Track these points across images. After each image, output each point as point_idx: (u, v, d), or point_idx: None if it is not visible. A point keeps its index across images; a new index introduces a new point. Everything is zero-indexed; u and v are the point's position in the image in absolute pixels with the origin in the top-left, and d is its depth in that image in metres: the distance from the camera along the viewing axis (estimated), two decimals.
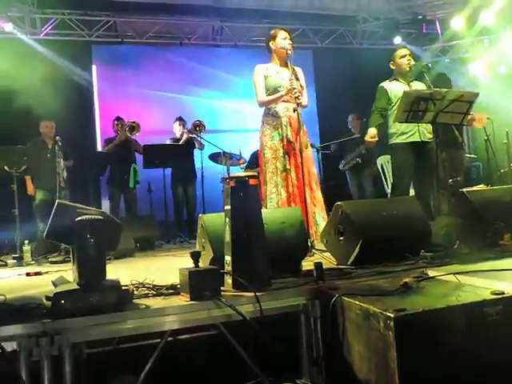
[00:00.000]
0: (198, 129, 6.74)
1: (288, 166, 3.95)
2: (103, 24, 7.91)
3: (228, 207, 2.57)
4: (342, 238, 3.07)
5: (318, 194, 4.08)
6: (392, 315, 1.77)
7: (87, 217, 2.28)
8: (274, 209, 3.75)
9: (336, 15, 8.61)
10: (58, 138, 5.56)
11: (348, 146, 7.17)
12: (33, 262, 4.74)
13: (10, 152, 5.32)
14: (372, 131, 4.36)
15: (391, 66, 4.51)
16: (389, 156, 5.14)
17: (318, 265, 2.55)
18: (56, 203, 2.47)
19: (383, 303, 1.94)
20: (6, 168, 5.26)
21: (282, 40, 4.11)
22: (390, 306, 1.87)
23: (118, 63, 8.00)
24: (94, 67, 8.03)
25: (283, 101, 4.05)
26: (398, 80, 4.46)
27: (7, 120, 6.15)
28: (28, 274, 3.95)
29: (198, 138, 6.74)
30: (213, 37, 8.56)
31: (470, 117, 4.11)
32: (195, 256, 2.42)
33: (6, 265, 4.78)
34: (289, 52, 4.02)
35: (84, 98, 7.70)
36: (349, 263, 2.98)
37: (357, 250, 2.92)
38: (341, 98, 7.99)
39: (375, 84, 4.55)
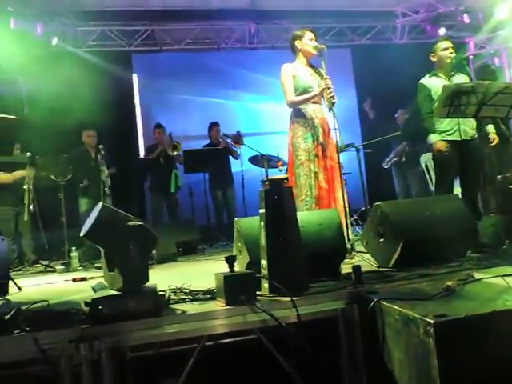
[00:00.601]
0: (236, 141, 6.76)
1: (316, 169, 3.87)
2: (142, 33, 8.08)
3: (263, 210, 2.54)
4: (382, 240, 2.98)
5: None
6: (432, 321, 1.69)
7: (133, 223, 2.31)
8: (311, 211, 3.68)
9: (374, 11, 8.44)
10: (100, 146, 5.70)
11: (392, 144, 7.01)
12: (80, 268, 4.87)
13: (56, 161, 5.51)
14: (434, 138, 4.18)
15: (432, 59, 4.34)
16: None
17: (357, 268, 2.48)
18: (100, 205, 2.50)
19: (424, 308, 1.85)
20: (52, 177, 5.44)
21: (309, 41, 4.04)
22: (430, 311, 1.79)
23: (157, 71, 8.15)
24: (134, 76, 8.22)
25: (312, 102, 3.98)
26: (437, 75, 4.29)
27: (51, 129, 6.36)
28: (74, 280, 4.06)
29: (234, 148, 6.77)
30: (250, 40, 8.58)
31: None
32: (230, 260, 2.41)
33: (54, 271, 4.94)
34: (323, 51, 3.92)
35: (125, 106, 7.87)
36: (390, 266, 2.89)
37: (398, 251, 2.83)
38: (381, 95, 7.81)
39: (416, 79, 4.40)
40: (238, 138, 6.74)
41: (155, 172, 6.72)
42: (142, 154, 7.89)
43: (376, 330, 2.12)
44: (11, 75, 6.86)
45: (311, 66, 4.09)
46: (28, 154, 5.48)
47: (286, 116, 4.11)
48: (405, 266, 2.78)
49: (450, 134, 4.14)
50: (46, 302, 2.56)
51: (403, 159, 7.02)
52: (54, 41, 7.44)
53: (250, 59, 8.47)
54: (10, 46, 6.61)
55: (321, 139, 3.91)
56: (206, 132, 7.16)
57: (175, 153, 6.51)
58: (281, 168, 6.15)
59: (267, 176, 5.67)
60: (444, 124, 4.12)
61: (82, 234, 2.44)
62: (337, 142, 3.80)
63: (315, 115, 3.95)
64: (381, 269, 2.95)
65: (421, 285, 2.37)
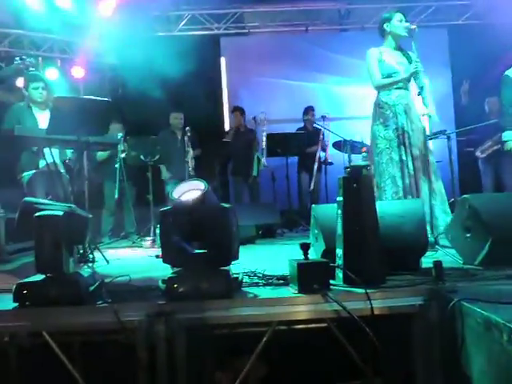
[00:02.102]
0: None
1: (404, 157, 3.70)
2: (231, 16, 8.15)
3: (340, 198, 2.48)
4: (468, 235, 2.80)
5: (438, 185, 3.79)
6: None
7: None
8: (391, 201, 3.54)
9: None
10: (187, 128, 5.86)
11: (487, 132, 6.52)
12: None
13: (145, 142, 5.75)
14: None
15: None
16: None
17: (438, 263, 2.35)
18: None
19: (509, 312, 1.71)
20: (141, 157, 5.70)
21: (398, 22, 3.84)
22: None
23: (244, 54, 8.19)
24: (222, 59, 8.33)
25: (397, 87, 3.80)
26: None
27: (140, 111, 6.65)
28: (157, 257, 4.23)
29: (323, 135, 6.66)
30: (339, 21, 8.35)
31: None
32: (305, 248, 2.38)
33: (141, 246, 5.19)
34: (414, 32, 3.73)
35: (213, 89, 8.02)
36: (476, 263, 2.71)
37: (486, 249, 2.64)
38: (479, 80, 7.28)
39: None
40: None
41: (237, 156, 6.81)
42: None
43: (455, 330, 2.00)
44: None
45: (400, 49, 3.91)
46: (120, 134, 5.77)
47: (372, 100, 3.96)
48: (492, 264, 2.59)
49: None
50: (128, 277, 2.69)
51: (501, 148, 6.51)
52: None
53: (338, 41, 8.26)
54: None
55: (405, 127, 3.73)
56: (291, 116, 7.13)
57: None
58: (364, 154, 5.97)
59: (350, 162, 5.54)
60: None
61: None
62: (424, 128, 3.61)
63: (399, 101, 3.79)
64: (465, 266, 2.77)
65: (508, 287, 2.19)
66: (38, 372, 2.54)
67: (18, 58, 4.34)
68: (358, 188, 2.41)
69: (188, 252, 2.29)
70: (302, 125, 7.10)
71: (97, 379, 2.44)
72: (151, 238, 5.36)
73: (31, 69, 4.43)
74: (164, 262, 2.36)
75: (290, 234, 5.92)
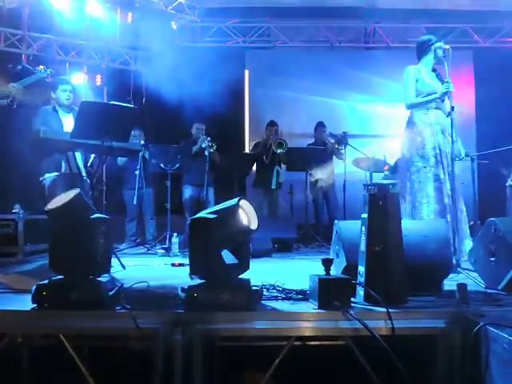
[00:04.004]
0: (339, 142, 6.63)
1: (442, 176, 3.69)
2: (256, 30, 8.21)
3: (365, 215, 2.46)
4: (493, 259, 2.75)
5: (463, 208, 3.78)
6: None
7: (203, 216, 2.33)
8: (417, 220, 3.51)
9: (501, 11, 7.78)
10: (208, 139, 5.90)
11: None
12: (179, 254, 5.07)
13: (166, 150, 5.79)
14: None
15: None
16: None
17: (463, 286, 2.30)
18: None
19: None
20: (161, 165, 5.74)
21: (437, 44, 3.87)
22: None
23: (269, 68, 8.22)
24: (246, 72, 8.39)
25: (436, 108, 3.80)
26: None
27: (162, 120, 6.70)
28: (173, 265, 4.24)
29: (339, 150, 6.64)
30: (365, 39, 8.37)
31: None
32: (327, 263, 2.35)
33: (155, 254, 5.19)
34: (447, 52, 3.73)
35: (235, 101, 8.05)
36: (499, 288, 2.65)
37: (510, 274, 2.58)
38: (504, 102, 7.22)
39: None
40: (341, 140, 6.60)
41: (259, 168, 6.81)
42: (247, 148, 8.06)
43: (478, 357, 1.96)
44: None
45: (434, 70, 3.92)
46: (142, 141, 5.82)
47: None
48: None
49: None
50: (146, 283, 2.68)
51: None
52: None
53: (362, 59, 8.26)
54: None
55: (442, 146, 3.73)
56: (312, 131, 7.11)
57: (279, 151, 6.52)
58: (386, 173, 5.92)
59: (371, 180, 5.49)
60: None
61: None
62: (452, 149, 3.58)
63: (437, 121, 3.80)
64: (488, 290, 2.72)
65: None
66: (49, 374, 2.53)
67: (42, 69, 4.40)
68: (383, 206, 2.39)
69: (223, 264, 2.26)
70: (312, 140, 7.08)
71: None
72: (166, 245, 5.38)
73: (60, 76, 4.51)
74: (192, 273, 2.33)
75: (306, 250, 5.87)
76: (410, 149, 3.86)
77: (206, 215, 2.30)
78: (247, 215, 2.38)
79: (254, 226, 2.39)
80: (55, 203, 2.38)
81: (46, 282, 2.31)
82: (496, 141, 6.49)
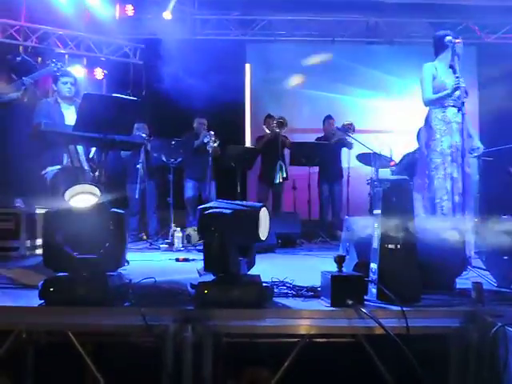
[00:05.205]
0: (348, 130, 6.59)
1: (455, 175, 3.68)
2: (258, 23, 8.12)
3: (378, 211, 2.41)
4: (505, 258, 2.71)
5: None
6: None
7: (219, 210, 2.28)
8: (431, 217, 3.49)
9: (507, 6, 7.72)
10: (210, 132, 5.85)
11: None
12: (182, 249, 5.02)
13: (168, 144, 5.73)
14: None
15: None
16: None
17: (478, 285, 2.26)
18: None
19: None
20: (163, 159, 5.68)
21: (452, 39, 3.82)
22: None
23: (270, 62, 8.16)
24: (247, 66, 8.31)
25: (452, 105, 3.78)
26: None
27: (163, 113, 6.63)
28: (177, 260, 4.19)
29: (348, 139, 6.58)
30: (367, 34, 8.29)
31: None
32: (339, 260, 2.31)
33: (158, 249, 5.14)
34: (457, 46, 3.70)
35: (236, 95, 7.97)
36: None
37: None
38: (507, 99, 7.17)
39: None
40: (348, 128, 6.56)
41: (263, 162, 6.77)
42: (248, 142, 8.01)
43: (496, 357, 1.92)
44: None
45: (451, 66, 3.88)
46: (143, 134, 5.75)
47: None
48: None
49: None
50: (153, 279, 2.64)
51: None
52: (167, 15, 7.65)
53: (364, 54, 8.18)
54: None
55: (459, 145, 3.71)
56: (314, 125, 7.07)
57: (283, 129, 6.47)
58: (393, 168, 5.89)
59: (377, 176, 5.45)
60: None
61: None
62: (463, 146, 3.55)
63: (454, 119, 3.78)
64: (501, 289, 2.68)
65: None
66: (55, 371, 2.48)
67: (53, 62, 4.35)
68: (397, 202, 2.34)
69: (237, 260, 2.22)
70: (321, 134, 7.03)
71: (117, 381, 2.38)
72: (169, 240, 5.33)
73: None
74: (206, 269, 2.28)
75: (309, 245, 5.84)
76: (428, 146, 3.86)
77: (221, 210, 2.24)
78: (261, 224, 2.34)
79: (263, 236, 2.35)
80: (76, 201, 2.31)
81: (52, 277, 2.26)
82: (499, 138, 6.47)
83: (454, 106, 3.80)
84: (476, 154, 4.01)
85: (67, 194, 2.32)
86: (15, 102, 3.61)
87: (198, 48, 7.64)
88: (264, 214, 2.36)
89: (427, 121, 3.91)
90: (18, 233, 4.05)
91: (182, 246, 5.07)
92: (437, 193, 3.70)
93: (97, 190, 2.35)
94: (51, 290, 2.18)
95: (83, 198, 2.32)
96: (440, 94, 3.81)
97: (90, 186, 2.42)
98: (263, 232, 2.34)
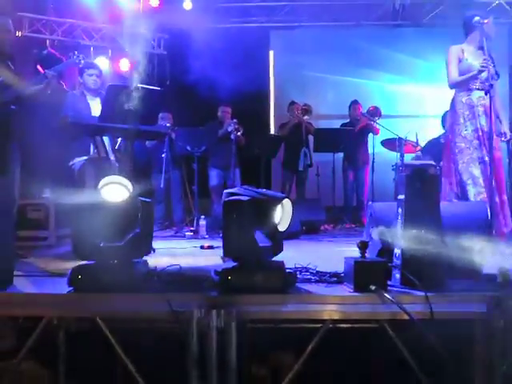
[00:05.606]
0: (374, 115, 6.52)
1: (486, 158, 3.62)
2: (281, 9, 8.04)
3: (402, 197, 2.39)
4: None
5: None
6: None
7: (237, 198, 2.30)
8: (456, 202, 3.44)
9: None
10: (234, 121, 5.86)
11: None
12: (207, 236, 5.08)
13: (192, 133, 5.77)
14: None
15: None
16: None
17: (504, 270, 2.23)
18: None
19: None
20: (188, 148, 5.72)
21: (482, 20, 3.72)
22: None
23: (294, 48, 8.05)
24: (271, 52, 8.26)
25: (477, 89, 3.70)
26: None
27: (187, 102, 6.66)
28: (202, 247, 4.25)
29: (374, 124, 6.50)
30: (393, 16, 8.10)
31: None
32: (363, 246, 2.31)
33: (184, 236, 5.21)
34: (487, 25, 3.61)
35: (260, 82, 7.94)
36: None
37: None
38: None
39: None
40: (374, 113, 6.49)
41: (288, 149, 6.76)
42: (272, 130, 7.99)
43: None
44: None
45: (481, 48, 3.79)
46: (168, 124, 5.81)
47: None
48: None
49: None
50: (178, 266, 2.68)
51: None
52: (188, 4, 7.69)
53: (391, 37, 7.98)
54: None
55: (485, 128, 3.64)
56: (340, 111, 7.00)
57: (306, 117, 6.44)
58: (418, 153, 5.80)
59: (403, 161, 5.38)
60: None
61: None
62: (490, 129, 3.48)
63: (479, 103, 3.71)
64: None
65: None
66: (85, 356, 2.56)
67: (75, 54, 4.41)
68: (421, 187, 2.32)
69: (256, 246, 2.23)
70: (347, 120, 6.96)
71: (146, 367, 2.44)
72: (194, 228, 5.39)
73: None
74: (225, 255, 2.31)
75: (334, 231, 5.83)
76: (453, 130, 3.81)
77: (239, 198, 2.26)
78: (282, 215, 2.34)
79: (282, 227, 2.35)
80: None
81: (81, 265, 2.32)
82: None
83: (480, 90, 3.71)
84: (504, 139, 3.91)
85: (100, 185, 2.37)
86: (39, 94, 3.69)
87: (221, 36, 7.62)
88: (286, 205, 2.36)
89: (452, 105, 3.86)
90: (47, 223, 4.16)
91: (207, 234, 5.12)
92: (462, 176, 3.66)
93: (126, 182, 2.40)
94: (79, 277, 2.24)
95: (114, 188, 2.37)
96: (465, 76, 3.74)
97: (120, 177, 2.46)
98: (283, 223, 2.35)
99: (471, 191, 3.61)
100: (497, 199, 3.54)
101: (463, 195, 3.67)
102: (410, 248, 2.24)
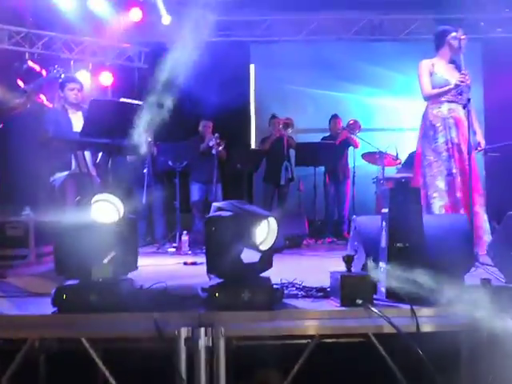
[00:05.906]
0: (353, 128, 6.61)
1: (454, 170, 3.67)
2: (261, 23, 8.11)
3: (386, 210, 2.42)
4: None
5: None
6: None
7: (218, 214, 2.29)
8: (438, 214, 3.49)
9: None
10: (216, 135, 5.88)
11: None
12: (189, 252, 5.04)
13: (174, 148, 5.76)
14: None
15: None
16: None
17: (487, 281, 2.27)
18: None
19: None
20: (169, 163, 5.70)
21: (453, 34, 3.82)
22: None
23: (274, 62, 8.14)
24: (251, 66, 8.33)
25: (448, 101, 3.77)
26: None
27: (171, 116, 6.63)
28: (185, 264, 4.21)
29: (354, 137, 6.59)
30: (371, 31, 8.26)
31: None
32: (348, 260, 2.32)
33: (166, 253, 5.17)
34: (463, 41, 3.71)
35: (241, 96, 7.97)
36: None
37: None
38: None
39: None
40: (354, 125, 6.58)
41: (269, 163, 6.79)
42: (253, 144, 8.02)
43: (508, 355, 1.92)
44: None
45: (453, 62, 3.89)
46: (148, 139, 5.78)
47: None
48: None
49: None
50: (164, 284, 2.65)
51: None
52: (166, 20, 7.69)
53: (370, 51, 8.14)
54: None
55: (455, 140, 3.70)
56: (320, 125, 7.08)
57: (288, 130, 6.49)
58: (399, 167, 5.88)
59: (383, 174, 5.45)
60: None
61: None
62: (469, 142, 3.55)
63: (450, 115, 3.77)
64: (509, 285, 2.68)
65: None
66: (68, 378, 2.51)
67: (55, 68, 4.38)
68: (404, 200, 2.35)
69: (239, 263, 2.22)
70: (327, 134, 7.03)
71: None
72: (176, 244, 5.35)
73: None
74: (209, 272, 2.30)
75: (316, 246, 5.86)
76: (423, 142, 3.86)
77: (221, 214, 2.26)
78: (267, 233, 2.32)
79: (264, 246, 2.33)
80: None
81: (65, 285, 2.28)
82: (505, 133, 6.44)
83: (450, 102, 3.79)
84: (479, 149, 3.99)
85: (91, 202, 2.31)
86: (18, 109, 3.65)
87: (201, 51, 7.62)
88: (270, 224, 2.34)
89: (423, 117, 3.92)
90: (27, 241, 4.08)
91: (190, 250, 5.09)
92: (428, 190, 3.71)
93: (118, 201, 2.35)
94: (64, 297, 2.19)
95: (104, 207, 2.33)
96: (441, 90, 3.81)
97: (111, 195, 2.41)
98: (267, 241, 2.33)
99: (436, 204, 3.66)
100: (462, 211, 3.58)
101: (427, 209, 3.70)
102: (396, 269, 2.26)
